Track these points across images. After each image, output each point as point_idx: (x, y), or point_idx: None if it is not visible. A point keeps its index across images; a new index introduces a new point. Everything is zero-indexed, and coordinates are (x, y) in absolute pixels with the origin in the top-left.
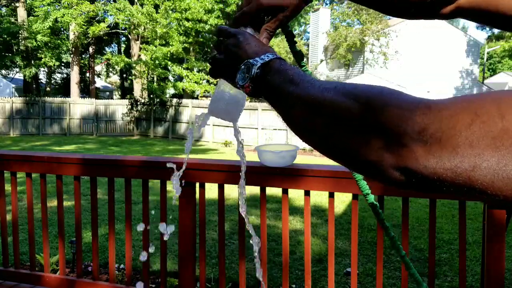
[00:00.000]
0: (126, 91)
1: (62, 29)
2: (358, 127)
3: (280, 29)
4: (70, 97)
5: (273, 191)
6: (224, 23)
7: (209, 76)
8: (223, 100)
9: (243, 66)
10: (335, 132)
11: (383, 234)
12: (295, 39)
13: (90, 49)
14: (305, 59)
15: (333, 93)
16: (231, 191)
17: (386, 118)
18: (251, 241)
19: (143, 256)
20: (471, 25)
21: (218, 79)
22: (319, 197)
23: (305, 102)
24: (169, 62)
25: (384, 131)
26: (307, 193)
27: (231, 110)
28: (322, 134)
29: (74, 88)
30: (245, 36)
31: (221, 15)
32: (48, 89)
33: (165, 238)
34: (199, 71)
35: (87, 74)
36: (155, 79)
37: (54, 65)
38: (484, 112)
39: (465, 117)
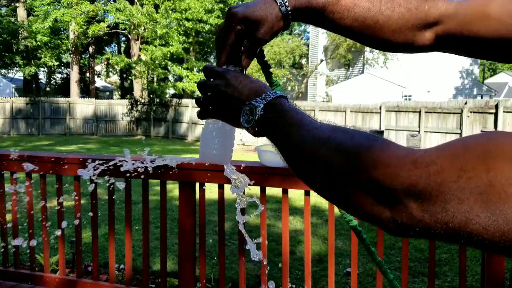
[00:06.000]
0: (126, 91)
1: (62, 29)
2: (352, 184)
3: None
4: (70, 97)
5: (273, 191)
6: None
7: (198, 117)
8: (213, 145)
9: (246, 108)
10: (331, 185)
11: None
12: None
13: (90, 49)
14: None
15: (325, 148)
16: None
17: (376, 176)
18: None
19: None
20: None
21: (206, 120)
22: (319, 197)
23: (300, 152)
24: (169, 62)
25: (377, 188)
26: (307, 193)
27: (223, 154)
28: (318, 185)
29: (74, 88)
30: (234, 74)
31: (221, 15)
32: (48, 89)
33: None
34: (199, 71)
35: (87, 74)
36: (155, 79)
37: (54, 65)
38: (470, 168)
39: (451, 173)
